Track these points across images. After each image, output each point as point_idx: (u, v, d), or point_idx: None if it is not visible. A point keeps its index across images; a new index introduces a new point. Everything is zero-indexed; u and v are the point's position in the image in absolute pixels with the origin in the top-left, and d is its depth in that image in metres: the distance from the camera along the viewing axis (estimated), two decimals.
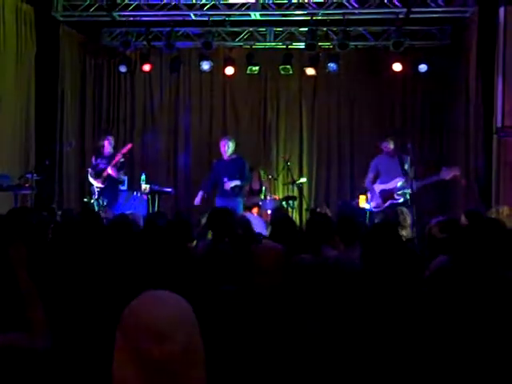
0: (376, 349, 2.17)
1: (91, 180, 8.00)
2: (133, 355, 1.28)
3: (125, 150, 8.08)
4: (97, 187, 7.89)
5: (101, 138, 8.49)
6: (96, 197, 7.79)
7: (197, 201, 7.84)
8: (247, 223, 4.51)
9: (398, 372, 2.12)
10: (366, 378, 2.11)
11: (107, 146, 8.08)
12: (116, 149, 8.23)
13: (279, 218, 5.00)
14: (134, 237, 3.96)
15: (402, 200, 7.16)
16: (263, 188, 8.60)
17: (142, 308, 1.32)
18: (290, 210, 8.41)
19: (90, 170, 8.07)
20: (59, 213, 7.33)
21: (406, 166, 7.13)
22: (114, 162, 7.94)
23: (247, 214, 7.15)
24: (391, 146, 7.51)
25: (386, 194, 7.38)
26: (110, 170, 7.89)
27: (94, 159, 8.13)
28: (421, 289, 2.58)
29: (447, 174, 6.91)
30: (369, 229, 3.93)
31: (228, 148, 7.67)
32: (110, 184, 7.96)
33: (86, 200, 8.03)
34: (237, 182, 7.54)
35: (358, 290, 2.50)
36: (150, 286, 1.46)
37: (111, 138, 8.18)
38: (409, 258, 2.92)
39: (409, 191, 6.99)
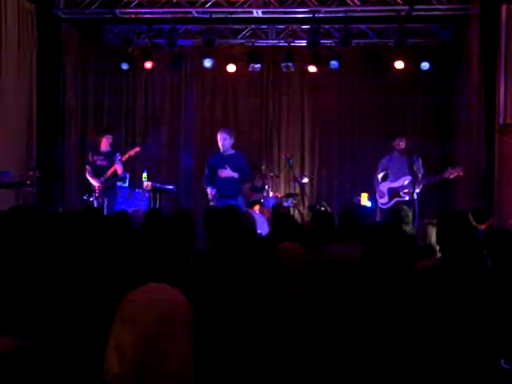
0: (374, 344, 2.17)
1: (89, 179, 7.82)
2: (115, 344, 1.32)
3: (132, 153, 7.89)
4: (96, 186, 7.71)
5: (99, 134, 8.19)
6: (96, 195, 7.68)
7: (211, 194, 7.13)
8: (252, 220, 4.52)
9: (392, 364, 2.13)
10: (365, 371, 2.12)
11: (105, 143, 7.86)
12: (114, 147, 8.01)
13: (280, 216, 5.01)
14: (134, 234, 3.96)
15: (407, 198, 7.23)
16: (265, 185, 8.59)
17: (127, 296, 1.36)
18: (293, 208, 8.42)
19: (87, 167, 7.89)
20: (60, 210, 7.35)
21: (416, 167, 7.18)
22: (124, 158, 7.75)
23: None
24: (403, 144, 7.52)
25: (393, 192, 7.48)
26: (118, 168, 7.69)
27: (90, 155, 7.91)
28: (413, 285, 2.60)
29: (450, 174, 7.05)
30: (370, 227, 3.93)
31: (225, 141, 7.11)
32: (112, 183, 7.82)
33: (85, 198, 7.79)
34: (234, 175, 6.98)
35: (356, 284, 2.51)
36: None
37: (110, 137, 7.94)
38: (409, 255, 2.92)
39: (416, 190, 7.07)
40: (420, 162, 7.43)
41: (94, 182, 7.73)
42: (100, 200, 7.62)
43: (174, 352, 1.31)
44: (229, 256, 2.60)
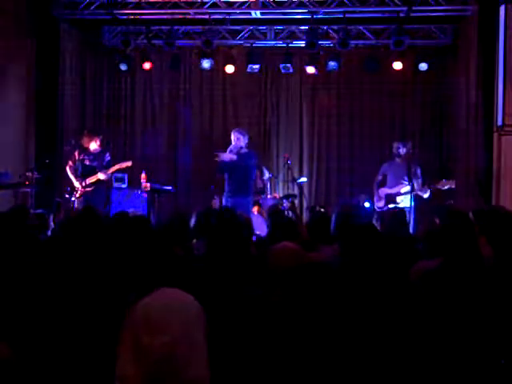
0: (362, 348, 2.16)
1: (71, 177, 7.63)
2: (132, 350, 1.29)
3: (123, 165, 7.76)
4: (78, 188, 7.53)
5: (87, 136, 7.87)
6: (77, 196, 7.46)
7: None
8: (248, 223, 4.51)
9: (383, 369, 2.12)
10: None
11: (94, 144, 7.73)
12: (103, 147, 7.88)
13: (279, 217, 5.01)
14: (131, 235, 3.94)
15: (402, 204, 7.39)
16: (265, 187, 8.59)
17: (143, 304, 1.33)
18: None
19: (71, 164, 7.65)
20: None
21: (413, 175, 7.32)
22: (109, 171, 7.67)
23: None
24: (401, 149, 7.68)
25: (389, 198, 7.66)
26: (101, 176, 7.59)
27: (77, 153, 7.68)
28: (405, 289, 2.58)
29: (444, 185, 7.28)
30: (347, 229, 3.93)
31: (239, 141, 7.31)
32: (95, 188, 7.65)
33: (66, 196, 7.58)
34: (233, 157, 7.13)
35: (337, 288, 2.49)
36: (148, 285, 1.46)
37: (99, 139, 7.80)
38: (391, 257, 2.91)
39: (412, 197, 7.20)
40: (419, 171, 7.60)
41: (76, 183, 7.58)
42: (82, 201, 7.45)
43: (196, 357, 1.30)
44: (223, 259, 2.59)
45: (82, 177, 7.60)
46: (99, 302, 2.50)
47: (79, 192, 7.52)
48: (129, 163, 7.85)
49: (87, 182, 7.57)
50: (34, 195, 7.52)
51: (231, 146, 7.33)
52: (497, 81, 7.70)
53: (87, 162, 7.67)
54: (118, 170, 7.88)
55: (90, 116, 10.09)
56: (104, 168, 7.68)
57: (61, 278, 2.69)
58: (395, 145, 7.80)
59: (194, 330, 1.32)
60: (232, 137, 7.41)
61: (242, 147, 7.31)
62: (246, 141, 7.38)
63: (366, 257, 2.56)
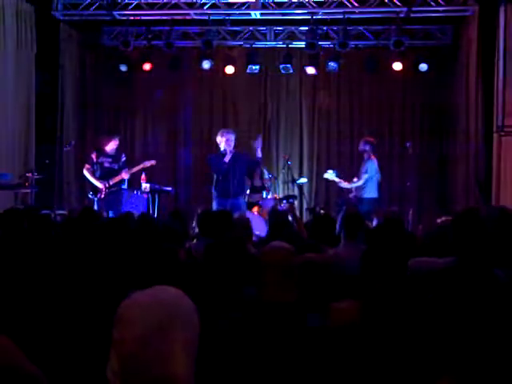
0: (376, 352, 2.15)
1: (91, 179, 7.71)
2: (112, 345, 1.30)
3: (148, 164, 7.90)
4: (102, 188, 7.63)
5: (106, 137, 8.05)
6: (102, 196, 7.58)
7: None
8: (247, 223, 4.51)
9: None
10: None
11: (112, 145, 7.82)
12: (119, 148, 7.99)
13: (277, 219, 5.01)
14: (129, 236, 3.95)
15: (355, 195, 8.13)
16: (266, 186, 8.58)
17: (129, 297, 1.34)
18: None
19: (88, 166, 7.73)
20: (60, 212, 7.35)
21: (364, 168, 8.00)
22: (132, 170, 7.83)
23: (247, 213, 7.13)
24: (364, 147, 8.13)
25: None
26: (125, 176, 7.75)
27: (94, 156, 7.78)
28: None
29: (340, 183, 8.16)
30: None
31: (232, 142, 7.35)
32: (119, 188, 7.80)
33: (90, 196, 7.74)
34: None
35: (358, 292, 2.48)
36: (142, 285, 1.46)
37: (117, 140, 7.93)
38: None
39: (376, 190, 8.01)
40: (369, 163, 7.98)
41: (99, 184, 7.66)
42: (104, 202, 7.55)
43: (172, 355, 1.29)
44: (218, 259, 2.59)
45: (101, 179, 7.68)
46: (99, 302, 2.51)
47: (103, 193, 7.58)
48: (153, 162, 7.98)
49: (111, 183, 7.66)
50: (34, 196, 7.54)
51: (229, 148, 7.30)
52: (497, 81, 7.71)
53: (107, 165, 7.76)
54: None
55: (89, 117, 10.08)
56: (122, 169, 7.77)
57: (63, 277, 2.70)
58: (360, 142, 8.26)
59: (175, 327, 1.32)
60: (222, 138, 7.39)
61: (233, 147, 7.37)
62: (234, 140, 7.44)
63: (394, 256, 2.53)
